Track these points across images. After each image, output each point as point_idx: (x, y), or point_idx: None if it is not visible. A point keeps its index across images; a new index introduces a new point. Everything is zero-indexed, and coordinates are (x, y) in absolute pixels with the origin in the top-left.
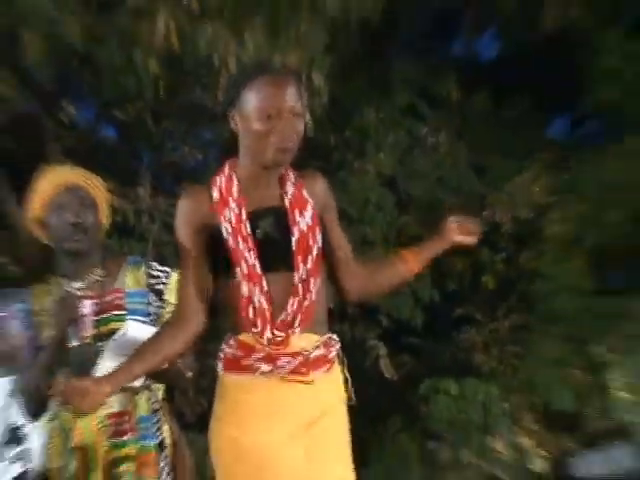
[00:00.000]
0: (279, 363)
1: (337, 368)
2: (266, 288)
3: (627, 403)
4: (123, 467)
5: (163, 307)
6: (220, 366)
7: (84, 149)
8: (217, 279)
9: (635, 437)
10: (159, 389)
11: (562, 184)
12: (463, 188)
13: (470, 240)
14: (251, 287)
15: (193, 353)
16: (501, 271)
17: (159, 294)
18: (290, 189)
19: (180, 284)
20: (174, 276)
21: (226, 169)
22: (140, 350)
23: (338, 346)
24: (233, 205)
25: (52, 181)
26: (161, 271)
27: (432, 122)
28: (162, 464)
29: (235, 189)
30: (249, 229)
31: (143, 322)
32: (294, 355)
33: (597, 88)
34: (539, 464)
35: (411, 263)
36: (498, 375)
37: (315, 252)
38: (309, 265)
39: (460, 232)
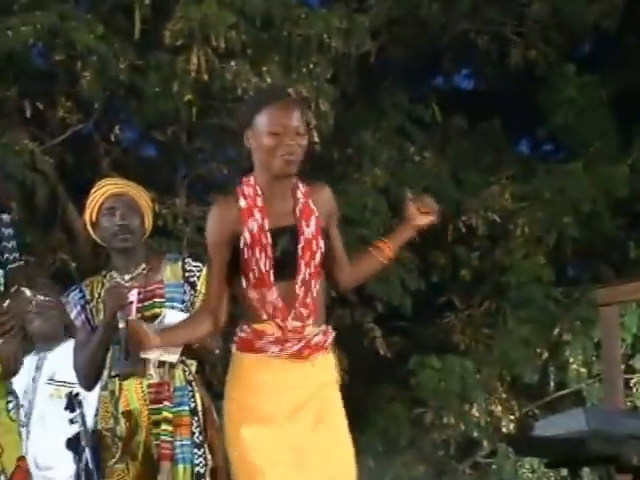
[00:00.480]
0: (286, 345)
1: (331, 355)
2: (276, 294)
3: (582, 376)
4: (162, 428)
5: (196, 296)
6: (234, 347)
7: (129, 164)
8: (238, 278)
9: (588, 403)
10: (192, 364)
11: (526, 193)
12: (444, 196)
13: (430, 219)
14: (264, 292)
15: (220, 335)
16: (476, 265)
17: (193, 285)
18: (300, 201)
19: (207, 282)
20: (205, 270)
21: (251, 180)
22: (179, 325)
23: (333, 336)
24: (257, 216)
25: (104, 190)
26: (195, 266)
27: (419, 141)
28: (195, 427)
29: (259, 200)
30: (269, 241)
31: (180, 310)
32: (299, 339)
33: (555, 113)
34: (508, 427)
35: (386, 251)
36: (473, 352)
37: (318, 258)
38: (311, 270)
39: (420, 215)
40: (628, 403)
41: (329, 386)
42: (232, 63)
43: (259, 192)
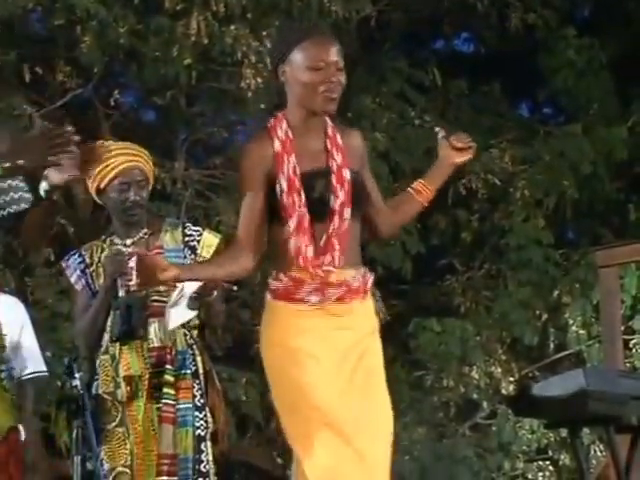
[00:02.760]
0: (326, 294)
1: (371, 300)
2: (313, 237)
3: (582, 337)
4: (164, 391)
5: (197, 260)
6: (270, 296)
7: (129, 128)
8: (272, 223)
9: (587, 364)
10: (194, 328)
11: (526, 156)
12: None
13: (466, 157)
14: (301, 238)
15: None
16: (476, 228)
17: (193, 249)
18: (332, 142)
19: (241, 219)
20: (205, 234)
21: (281, 119)
22: (206, 261)
23: (372, 279)
24: (292, 159)
25: (117, 162)
26: (195, 230)
27: (419, 105)
28: (196, 390)
29: (292, 142)
30: (303, 184)
31: None
32: (339, 285)
33: (555, 76)
34: (507, 388)
35: (424, 193)
36: (473, 315)
37: (352, 200)
38: (347, 212)
39: (456, 152)
40: (627, 364)
41: (371, 335)
42: (232, 27)
43: (290, 134)
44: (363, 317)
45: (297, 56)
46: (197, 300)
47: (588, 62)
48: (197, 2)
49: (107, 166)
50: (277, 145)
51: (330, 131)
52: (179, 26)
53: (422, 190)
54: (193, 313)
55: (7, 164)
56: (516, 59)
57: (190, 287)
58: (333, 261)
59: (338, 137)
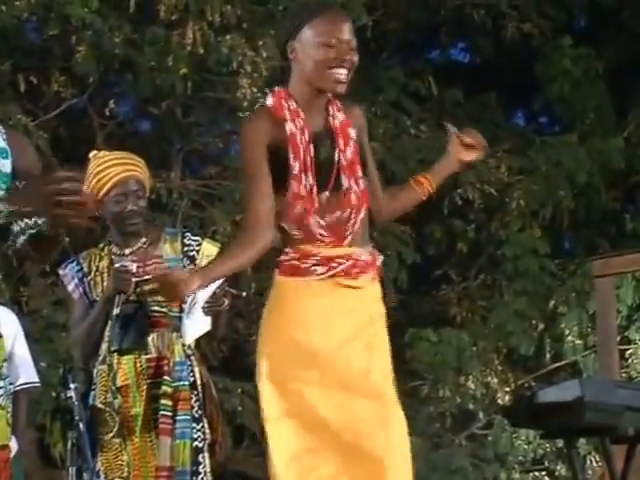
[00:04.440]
0: (333, 264)
1: (378, 284)
2: (319, 205)
3: (578, 347)
4: (161, 403)
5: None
6: (277, 273)
7: (124, 138)
8: (278, 198)
9: (584, 375)
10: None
11: (522, 166)
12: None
13: (476, 155)
14: (307, 206)
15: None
16: (472, 238)
17: (192, 259)
18: (336, 115)
19: (249, 200)
20: (205, 244)
21: (283, 94)
22: (220, 256)
23: (380, 259)
24: (300, 125)
25: (114, 172)
26: (194, 240)
27: (415, 115)
28: (194, 401)
29: (300, 112)
30: (312, 152)
31: None
32: (346, 257)
33: (551, 86)
34: (503, 398)
35: (426, 185)
36: (469, 325)
37: (360, 172)
38: (355, 184)
39: (466, 150)
40: (624, 374)
41: (378, 320)
42: (228, 37)
43: (295, 104)
44: (371, 298)
45: (309, 32)
46: (209, 309)
47: (584, 72)
48: (193, 12)
49: (103, 177)
50: (287, 114)
51: (332, 109)
52: (175, 36)
53: (423, 182)
54: (208, 325)
55: (13, 208)
56: (512, 69)
57: (202, 294)
58: (341, 233)
59: (340, 114)
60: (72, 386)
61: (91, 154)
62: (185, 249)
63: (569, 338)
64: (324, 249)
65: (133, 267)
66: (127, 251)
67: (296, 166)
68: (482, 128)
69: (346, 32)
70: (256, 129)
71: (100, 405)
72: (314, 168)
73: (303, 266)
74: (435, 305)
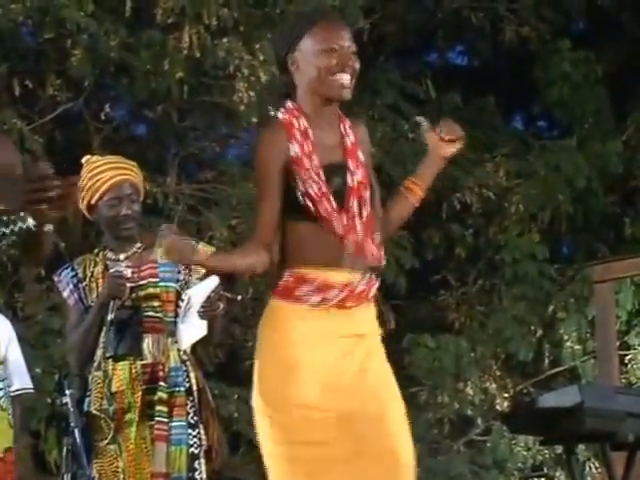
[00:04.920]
0: (328, 295)
1: (373, 306)
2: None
3: (577, 353)
4: (157, 409)
5: (190, 275)
6: (272, 294)
7: (120, 142)
8: (285, 217)
9: (583, 380)
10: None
11: (521, 170)
12: (438, 173)
13: (456, 148)
14: (340, 225)
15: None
16: (471, 243)
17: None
18: (348, 135)
19: (260, 214)
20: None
21: (296, 111)
22: (229, 252)
23: (377, 285)
24: (309, 149)
25: (107, 176)
26: None
27: (413, 118)
28: (189, 407)
29: (310, 133)
30: (322, 178)
31: (175, 289)
32: (343, 287)
33: (550, 89)
34: (502, 404)
35: (416, 191)
36: (468, 330)
37: (369, 194)
38: (366, 209)
39: (444, 144)
40: (623, 380)
41: (372, 336)
42: (224, 40)
43: (307, 125)
44: (365, 321)
45: (309, 41)
46: (204, 314)
47: (583, 75)
48: (189, 15)
49: (97, 181)
50: (297, 151)
51: (344, 125)
52: (171, 39)
53: (412, 187)
54: (204, 330)
55: None
56: (510, 72)
57: (197, 298)
58: (344, 260)
59: (352, 133)
60: (67, 392)
61: (84, 159)
62: None
63: (568, 343)
64: (322, 273)
65: (128, 272)
66: (122, 256)
67: (313, 189)
68: (480, 132)
69: (345, 38)
70: (274, 141)
71: (95, 411)
72: (331, 194)
73: (297, 293)
74: (433, 310)
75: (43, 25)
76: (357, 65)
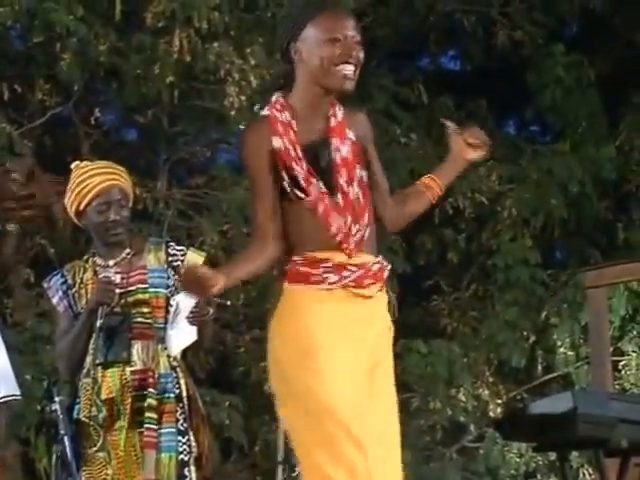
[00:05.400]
0: (345, 273)
1: (385, 294)
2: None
3: (570, 359)
4: (146, 416)
5: (180, 280)
6: (285, 281)
7: (110, 147)
8: (286, 206)
9: (576, 386)
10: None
11: (513, 175)
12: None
13: (480, 154)
14: (324, 207)
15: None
16: (463, 248)
17: (176, 269)
18: (334, 119)
19: (254, 215)
20: (189, 254)
21: (279, 105)
22: (234, 259)
23: (388, 270)
24: (292, 139)
25: (95, 182)
26: (178, 250)
27: (405, 123)
28: (179, 414)
29: (293, 124)
30: (310, 159)
31: (164, 295)
32: (358, 266)
33: (542, 94)
34: (495, 411)
35: (434, 188)
36: (460, 336)
37: (358, 172)
38: (355, 190)
39: (470, 148)
40: (617, 386)
41: (387, 335)
42: (215, 44)
43: (291, 119)
44: (383, 309)
45: (312, 30)
46: (193, 319)
47: (576, 79)
48: (180, 19)
49: (85, 187)
50: (278, 139)
51: (333, 110)
52: (161, 43)
53: (431, 184)
54: (194, 336)
55: None
56: (503, 77)
57: (185, 304)
58: (351, 240)
59: (340, 114)
60: (57, 399)
61: (73, 165)
62: (169, 259)
63: (561, 350)
64: (336, 256)
65: (117, 278)
66: (111, 262)
67: (301, 174)
68: None
69: (350, 27)
70: (257, 137)
71: (84, 419)
72: (318, 174)
73: (314, 273)
74: (425, 316)
75: (32, 29)
76: (361, 55)
